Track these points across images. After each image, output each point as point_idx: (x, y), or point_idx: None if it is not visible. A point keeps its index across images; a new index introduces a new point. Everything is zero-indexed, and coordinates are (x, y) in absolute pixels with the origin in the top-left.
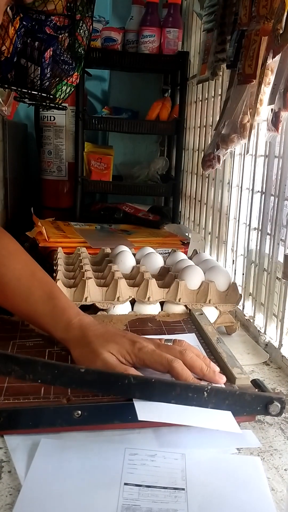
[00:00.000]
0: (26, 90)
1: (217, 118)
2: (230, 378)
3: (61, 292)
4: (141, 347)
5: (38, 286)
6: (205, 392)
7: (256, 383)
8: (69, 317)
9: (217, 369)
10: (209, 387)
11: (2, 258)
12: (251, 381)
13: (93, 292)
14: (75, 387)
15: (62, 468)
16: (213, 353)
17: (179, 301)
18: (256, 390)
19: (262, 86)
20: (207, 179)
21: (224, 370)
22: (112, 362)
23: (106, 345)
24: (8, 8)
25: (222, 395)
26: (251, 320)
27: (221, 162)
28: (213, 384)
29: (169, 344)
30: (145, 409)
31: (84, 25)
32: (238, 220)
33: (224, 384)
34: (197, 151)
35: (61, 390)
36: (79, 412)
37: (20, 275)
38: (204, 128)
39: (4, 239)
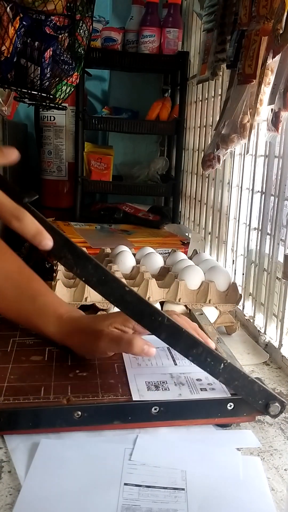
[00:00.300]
0: (26, 90)
1: (217, 118)
2: None
3: (49, 289)
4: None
5: (27, 284)
6: (222, 364)
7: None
8: (60, 313)
9: (213, 345)
10: (228, 361)
11: None
12: None
13: (93, 292)
14: (113, 301)
15: (62, 468)
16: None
17: (179, 301)
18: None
19: (262, 86)
20: (207, 179)
21: None
22: (117, 334)
23: (105, 321)
24: (8, 8)
25: (235, 374)
26: (251, 320)
27: (221, 162)
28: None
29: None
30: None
31: (84, 25)
32: (238, 220)
33: None
34: (197, 151)
35: (61, 390)
36: (79, 412)
37: (7, 274)
38: (204, 128)
39: None
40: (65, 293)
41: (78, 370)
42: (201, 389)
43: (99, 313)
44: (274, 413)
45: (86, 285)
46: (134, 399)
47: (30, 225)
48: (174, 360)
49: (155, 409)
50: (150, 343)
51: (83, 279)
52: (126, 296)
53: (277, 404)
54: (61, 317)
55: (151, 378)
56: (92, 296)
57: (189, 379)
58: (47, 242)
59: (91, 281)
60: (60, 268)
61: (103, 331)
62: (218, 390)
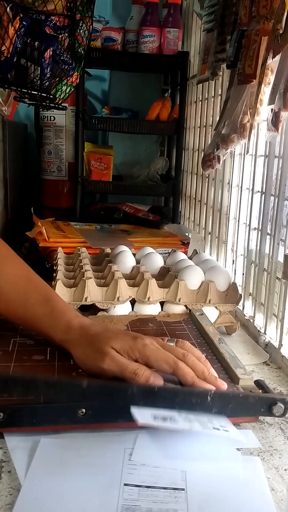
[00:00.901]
0: (26, 90)
1: (217, 118)
2: (234, 379)
3: (58, 295)
4: (145, 344)
5: (34, 290)
6: (208, 397)
7: (259, 384)
8: (68, 319)
9: (216, 375)
10: (212, 392)
11: None
12: (254, 382)
13: (93, 292)
14: (78, 402)
15: (62, 468)
16: (215, 354)
17: (179, 301)
18: (260, 391)
19: (262, 86)
20: (207, 179)
21: (227, 370)
22: (123, 360)
23: (110, 342)
24: (8, 8)
25: (226, 399)
26: (251, 320)
27: (221, 162)
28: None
29: (171, 344)
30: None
31: (84, 25)
32: (238, 220)
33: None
34: (197, 151)
35: None
36: (83, 410)
37: (15, 279)
38: (204, 128)
39: None
40: (65, 293)
41: (81, 369)
42: (214, 428)
43: (99, 313)
44: (279, 413)
45: (86, 285)
46: (139, 422)
47: None
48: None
49: None
50: (157, 374)
51: (41, 399)
52: (87, 391)
53: (279, 404)
54: (70, 323)
55: (158, 412)
56: (92, 296)
57: (199, 417)
58: None
59: (48, 396)
60: (60, 268)
61: (108, 353)
62: (232, 432)
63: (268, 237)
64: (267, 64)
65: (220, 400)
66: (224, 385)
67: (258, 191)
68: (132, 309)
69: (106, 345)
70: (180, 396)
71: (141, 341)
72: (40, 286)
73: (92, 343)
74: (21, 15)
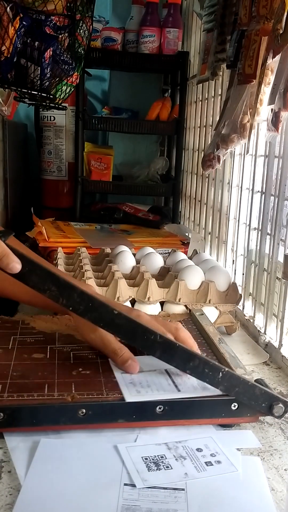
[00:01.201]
0: (26, 90)
1: (217, 118)
2: None
3: (70, 276)
4: (139, 315)
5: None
6: (220, 373)
7: (259, 383)
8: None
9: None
10: (226, 369)
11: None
12: (254, 381)
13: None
14: (103, 326)
15: (62, 468)
16: (215, 354)
17: (179, 301)
18: None
19: (262, 86)
20: (207, 179)
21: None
22: (109, 337)
23: None
24: (8, 8)
25: (235, 381)
26: (251, 320)
27: (221, 162)
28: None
29: (166, 321)
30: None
31: (84, 25)
32: (238, 220)
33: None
34: (197, 151)
35: (65, 388)
36: (84, 410)
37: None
38: (204, 128)
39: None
40: None
41: (81, 368)
42: (206, 463)
43: None
44: (278, 414)
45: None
46: (138, 487)
47: None
48: (176, 386)
49: (160, 408)
50: (136, 360)
51: (70, 308)
52: (116, 319)
53: (280, 405)
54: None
55: (146, 452)
56: None
57: (188, 451)
58: (14, 265)
59: (78, 309)
60: (60, 268)
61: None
62: (224, 463)
63: (268, 237)
64: (267, 64)
65: (230, 380)
66: None
67: (258, 191)
68: None
69: None
70: (195, 361)
71: (135, 312)
72: (51, 266)
73: None
74: (21, 15)
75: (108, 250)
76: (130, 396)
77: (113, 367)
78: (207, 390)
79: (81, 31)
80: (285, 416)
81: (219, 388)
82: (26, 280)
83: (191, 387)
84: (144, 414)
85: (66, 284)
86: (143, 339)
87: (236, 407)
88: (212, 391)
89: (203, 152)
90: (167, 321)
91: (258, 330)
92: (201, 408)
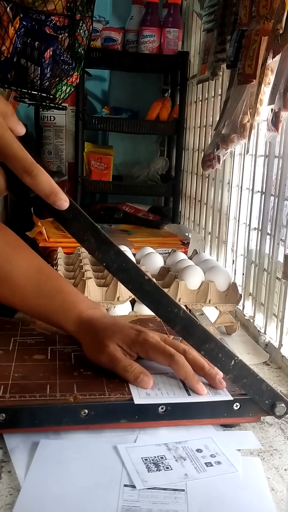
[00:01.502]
0: (26, 90)
1: (217, 118)
2: None
3: (70, 286)
4: (146, 337)
5: (46, 281)
6: (233, 361)
7: None
8: (80, 311)
9: (221, 374)
10: (239, 359)
11: (6, 255)
12: None
13: (93, 292)
14: (131, 288)
15: (62, 469)
16: None
17: (179, 301)
18: None
19: (262, 86)
20: (207, 179)
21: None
22: (118, 355)
23: (113, 336)
24: (8, 8)
25: (245, 372)
26: (251, 320)
27: (221, 162)
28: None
29: (175, 341)
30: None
31: (84, 25)
32: (238, 220)
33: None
34: (197, 151)
35: (67, 388)
36: (86, 411)
37: (27, 272)
38: (204, 128)
39: (6, 235)
40: None
41: (83, 369)
42: (206, 464)
43: None
44: (279, 413)
45: (86, 285)
46: (138, 488)
47: (44, 183)
48: (187, 390)
49: (162, 408)
50: (148, 373)
51: (104, 264)
52: (145, 285)
53: (283, 404)
54: (81, 315)
55: (146, 452)
56: (92, 296)
57: (188, 451)
58: (63, 202)
59: (111, 267)
60: (60, 268)
61: (108, 346)
62: (224, 464)
63: (268, 237)
64: (267, 64)
65: (240, 370)
66: (223, 384)
67: (258, 191)
68: (132, 309)
69: (108, 339)
70: (212, 343)
71: (143, 334)
72: (52, 276)
73: (97, 336)
74: (21, 15)
75: None
76: (139, 398)
77: None
78: (218, 395)
79: (81, 31)
80: (285, 416)
81: (228, 376)
82: (67, 225)
83: None
84: (147, 414)
85: (106, 239)
86: (166, 311)
87: (238, 407)
88: (223, 396)
89: (203, 152)
90: (176, 341)
91: (258, 330)
92: (203, 408)
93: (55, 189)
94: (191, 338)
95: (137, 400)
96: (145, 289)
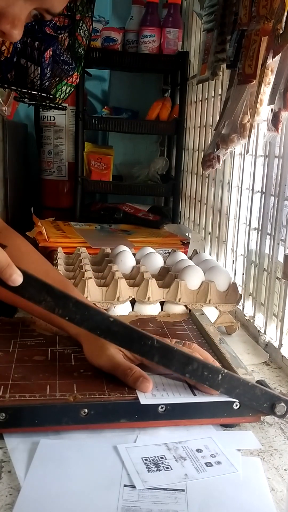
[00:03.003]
0: (26, 90)
1: (217, 118)
2: None
3: (75, 289)
4: None
5: (52, 285)
6: (220, 375)
7: (261, 383)
8: None
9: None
10: (225, 371)
11: (14, 259)
12: (255, 382)
13: (93, 292)
14: (99, 334)
15: (62, 469)
16: (216, 354)
17: (179, 301)
18: None
19: (262, 86)
20: (207, 179)
21: (229, 370)
22: (118, 358)
23: None
24: None
25: (235, 382)
26: (251, 320)
27: (221, 162)
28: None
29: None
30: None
31: (84, 25)
32: (238, 220)
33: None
34: (197, 151)
35: (67, 388)
36: (86, 410)
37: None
38: (204, 128)
39: (16, 240)
40: None
41: (83, 370)
42: (206, 464)
43: None
44: (280, 413)
45: (86, 285)
46: (138, 488)
47: None
48: (192, 391)
49: (162, 408)
50: (148, 377)
51: (66, 318)
52: (112, 326)
53: (282, 404)
54: None
55: (146, 452)
56: (92, 296)
57: (188, 451)
58: (16, 277)
59: (74, 318)
60: (60, 268)
61: (108, 349)
62: (224, 464)
63: (268, 237)
64: (267, 64)
65: (230, 381)
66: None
67: (258, 191)
68: (132, 309)
69: (110, 343)
70: (194, 364)
71: None
72: (58, 280)
73: (98, 339)
74: None
75: (108, 250)
76: (145, 399)
77: None
78: (223, 396)
79: (81, 31)
80: (286, 415)
81: (220, 391)
82: (22, 292)
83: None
84: (147, 414)
85: (61, 294)
86: (140, 345)
87: (238, 406)
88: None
89: (203, 152)
90: (180, 344)
91: (258, 330)
92: (203, 408)
93: (7, 262)
94: (172, 365)
95: (143, 401)
96: (113, 330)
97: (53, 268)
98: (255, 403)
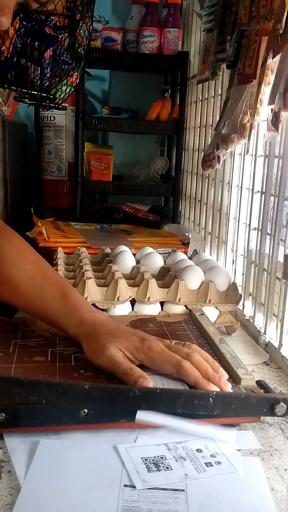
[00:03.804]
0: (26, 90)
1: (217, 118)
2: (235, 379)
3: (73, 289)
4: (151, 345)
5: (50, 285)
6: (210, 398)
7: (260, 384)
8: (82, 314)
9: (226, 375)
10: (214, 393)
11: (12, 258)
12: (255, 382)
13: (93, 292)
14: (80, 405)
15: (62, 469)
16: (216, 354)
17: (179, 301)
18: (262, 391)
19: (262, 86)
20: (207, 179)
21: (229, 370)
22: (118, 358)
23: (115, 341)
24: None
25: (228, 400)
26: (251, 320)
27: (221, 162)
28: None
29: (178, 346)
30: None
31: (84, 25)
32: (238, 220)
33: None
34: (197, 151)
35: None
36: (86, 410)
37: (31, 274)
38: (204, 128)
39: (12, 239)
40: None
41: (83, 370)
42: (206, 464)
43: None
44: (281, 413)
45: (86, 285)
46: (138, 488)
47: None
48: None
49: None
50: (148, 377)
51: (44, 402)
52: (90, 393)
53: (282, 404)
54: (83, 319)
55: (146, 452)
56: (92, 296)
57: (188, 451)
58: None
59: (51, 399)
60: (60, 268)
61: (108, 349)
62: (224, 464)
63: (268, 237)
64: (267, 64)
65: (222, 401)
66: (228, 386)
67: (258, 191)
68: (132, 309)
69: (110, 343)
70: (182, 398)
71: (147, 343)
72: (56, 280)
73: (98, 339)
74: (21, 15)
75: (108, 250)
76: (142, 414)
77: None
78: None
79: (81, 31)
80: (286, 416)
81: (216, 413)
82: None
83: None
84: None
85: (30, 382)
86: (123, 400)
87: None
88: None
89: (203, 152)
90: (179, 345)
91: (258, 330)
92: None
93: None
94: (160, 407)
95: (138, 486)
96: (93, 396)
97: (51, 268)
98: (254, 411)
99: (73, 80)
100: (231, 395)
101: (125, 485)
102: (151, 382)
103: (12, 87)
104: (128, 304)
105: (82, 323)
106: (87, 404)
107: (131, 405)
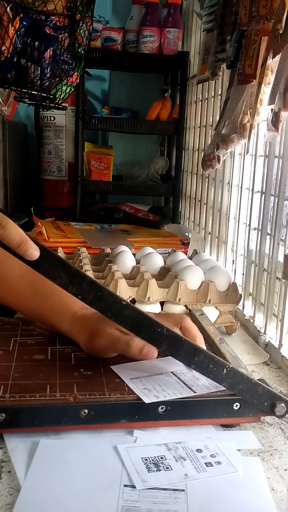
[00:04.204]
0: (26, 90)
1: (217, 118)
2: None
3: None
4: None
5: (41, 282)
6: (225, 369)
7: (262, 383)
8: (74, 310)
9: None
10: (230, 366)
11: (0, 257)
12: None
13: None
14: (111, 316)
15: (62, 469)
16: (216, 354)
17: (179, 301)
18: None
19: (262, 86)
20: (207, 179)
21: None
22: (116, 333)
23: (109, 322)
24: (8, 8)
25: (239, 378)
26: (251, 320)
27: (221, 162)
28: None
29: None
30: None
31: (84, 25)
32: (238, 220)
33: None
34: (197, 151)
35: (67, 388)
36: (86, 411)
37: (21, 273)
38: (204, 128)
39: None
40: None
41: (83, 369)
42: (206, 464)
43: None
44: (280, 413)
45: None
46: (138, 488)
47: (13, 233)
48: (190, 388)
49: (162, 408)
50: (150, 345)
51: (79, 297)
52: (123, 310)
53: (283, 404)
54: (75, 315)
55: (146, 452)
56: None
57: (188, 452)
58: (33, 251)
59: (87, 298)
60: None
61: (104, 330)
62: (224, 464)
63: (268, 237)
64: (267, 64)
65: (234, 377)
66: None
67: (258, 191)
68: None
69: (105, 325)
70: (201, 356)
71: None
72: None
73: (92, 326)
74: (21, 15)
75: (108, 250)
76: (147, 398)
77: (123, 377)
78: (223, 391)
79: (81, 31)
80: (286, 416)
81: (223, 385)
82: (37, 266)
83: (203, 386)
84: (147, 414)
85: (77, 272)
86: (149, 331)
87: (238, 407)
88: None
89: (203, 152)
90: (172, 315)
91: (258, 330)
92: (203, 408)
93: (24, 238)
94: (179, 354)
95: (146, 400)
96: (124, 314)
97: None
98: (256, 401)
99: (73, 80)
100: (243, 375)
101: (125, 485)
102: (156, 349)
103: (12, 87)
104: None
105: (74, 319)
106: (118, 317)
107: (154, 340)
